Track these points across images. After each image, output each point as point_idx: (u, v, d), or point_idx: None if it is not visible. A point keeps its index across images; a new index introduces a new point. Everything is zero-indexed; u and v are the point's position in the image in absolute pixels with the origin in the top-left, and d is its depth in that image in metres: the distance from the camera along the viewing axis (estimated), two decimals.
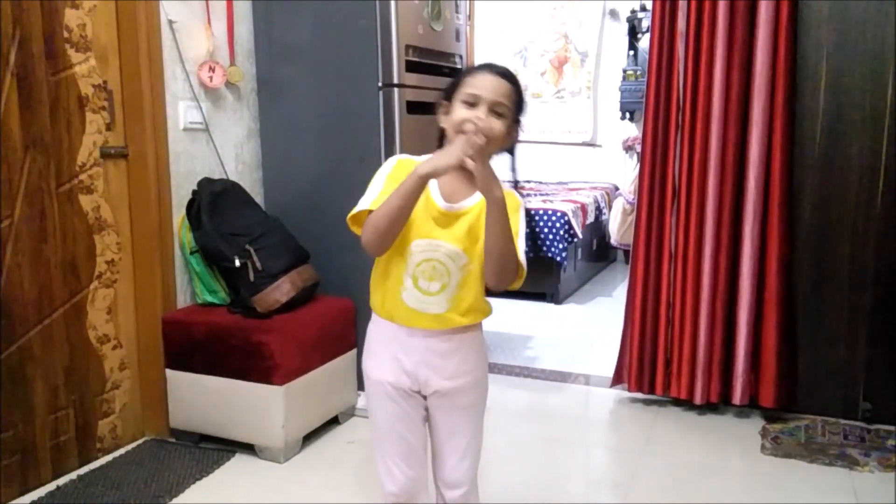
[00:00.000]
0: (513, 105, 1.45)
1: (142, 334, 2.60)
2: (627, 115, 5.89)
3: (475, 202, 1.45)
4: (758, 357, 2.76)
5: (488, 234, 1.38)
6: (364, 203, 1.45)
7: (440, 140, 1.52)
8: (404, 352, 1.51)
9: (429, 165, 1.33)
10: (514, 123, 1.48)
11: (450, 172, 1.36)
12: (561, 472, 2.49)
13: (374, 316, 1.56)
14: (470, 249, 1.45)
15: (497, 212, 1.34)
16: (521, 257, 1.43)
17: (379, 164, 1.56)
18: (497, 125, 1.42)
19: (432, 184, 1.45)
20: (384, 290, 1.50)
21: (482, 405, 1.61)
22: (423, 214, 1.44)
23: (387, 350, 1.53)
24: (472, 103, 1.42)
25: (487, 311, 1.55)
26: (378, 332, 1.56)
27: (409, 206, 1.37)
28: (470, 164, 1.30)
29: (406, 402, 1.54)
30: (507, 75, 1.46)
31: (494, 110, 1.42)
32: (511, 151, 1.54)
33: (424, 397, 1.55)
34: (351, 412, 2.83)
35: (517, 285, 1.47)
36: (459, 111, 1.43)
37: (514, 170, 1.57)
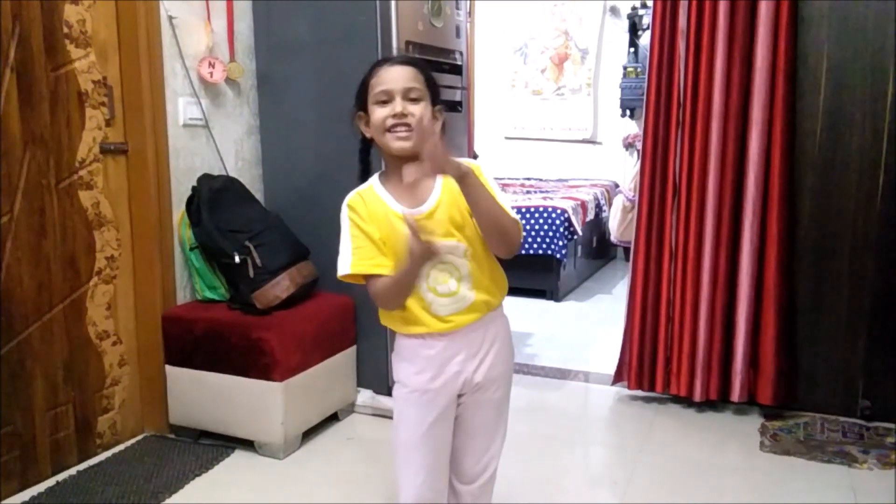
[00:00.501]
0: (425, 87, 1.44)
1: (141, 330, 2.60)
2: (628, 112, 5.87)
3: (439, 193, 1.44)
4: (756, 354, 2.76)
5: (476, 210, 1.38)
6: (344, 266, 1.45)
7: (365, 152, 1.52)
8: (450, 354, 1.48)
9: (419, 246, 1.30)
10: (434, 106, 1.47)
11: (408, 186, 1.38)
12: (560, 470, 2.49)
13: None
14: (460, 236, 1.44)
15: (471, 185, 1.34)
16: (511, 213, 1.42)
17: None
18: (418, 110, 1.41)
19: (393, 204, 1.44)
20: (406, 314, 1.46)
21: (508, 399, 1.64)
22: (404, 233, 1.39)
23: (426, 358, 1.49)
24: (385, 100, 1.41)
25: (506, 283, 1.56)
26: (414, 344, 1.51)
27: (416, 277, 1.40)
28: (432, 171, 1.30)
29: (443, 406, 1.51)
30: (409, 61, 1.46)
31: (409, 97, 1.41)
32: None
33: (459, 396, 1.53)
34: (350, 409, 2.84)
35: (520, 238, 1.46)
36: (376, 112, 1.42)
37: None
